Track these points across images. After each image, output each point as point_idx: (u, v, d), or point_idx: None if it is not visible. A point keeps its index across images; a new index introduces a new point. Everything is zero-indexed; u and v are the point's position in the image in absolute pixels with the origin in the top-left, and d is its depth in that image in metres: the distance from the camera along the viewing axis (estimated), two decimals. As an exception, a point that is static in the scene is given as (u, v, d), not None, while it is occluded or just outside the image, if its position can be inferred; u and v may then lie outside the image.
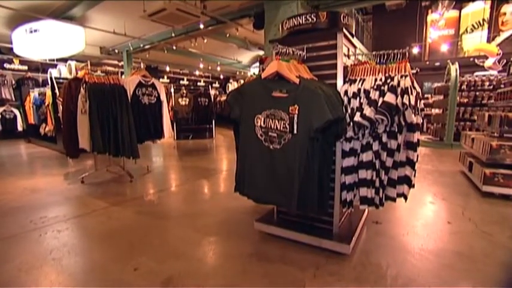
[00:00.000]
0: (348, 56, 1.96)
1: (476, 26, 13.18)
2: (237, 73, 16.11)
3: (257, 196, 1.77)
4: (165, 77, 15.22)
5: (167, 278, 1.69)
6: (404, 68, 1.69)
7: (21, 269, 1.81)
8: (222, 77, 17.33)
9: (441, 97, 7.31)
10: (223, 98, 11.63)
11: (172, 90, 8.44)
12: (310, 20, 1.84)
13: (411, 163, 1.65)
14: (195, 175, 4.31)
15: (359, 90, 1.65)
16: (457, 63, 6.73)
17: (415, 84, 1.70)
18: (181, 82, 15.68)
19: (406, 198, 1.71)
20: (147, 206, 3.04)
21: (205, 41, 8.66)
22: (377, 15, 13.96)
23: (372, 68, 1.79)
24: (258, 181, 1.70)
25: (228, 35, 8.85)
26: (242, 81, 13.73)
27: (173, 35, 7.98)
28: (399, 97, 1.51)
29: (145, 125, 3.92)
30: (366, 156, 1.70)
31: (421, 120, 1.91)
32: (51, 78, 5.90)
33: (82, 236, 2.34)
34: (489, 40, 12.53)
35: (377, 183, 1.69)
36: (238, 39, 9.42)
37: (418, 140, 1.65)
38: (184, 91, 8.32)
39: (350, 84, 1.72)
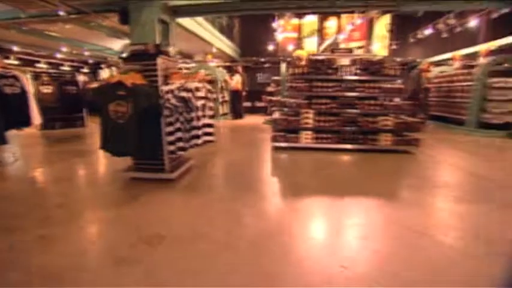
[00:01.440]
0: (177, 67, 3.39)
1: (312, 33, 17.42)
2: (109, 58, 15.38)
3: (115, 151, 3.02)
4: (12, 57, 12.92)
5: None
6: (196, 76, 3.27)
7: None
8: (91, 61, 16.07)
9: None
10: (95, 84, 11.29)
11: (29, 76, 7.88)
12: (143, 48, 3.15)
13: (197, 128, 3.28)
14: (70, 156, 4.94)
15: (171, 89, 3.11)
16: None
17: (206, 85, 3.30)
18: (37, 65, 13.69)
19: (198, 145, 3.35)
20: (22, 183, 3.71)
21: (66, 26, 8.38)
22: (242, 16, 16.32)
23: (180, 76, 3.29)
24: (114, 142, 2.95)
25: (94, 24, 8.83)
26: (114, 69, 13.48)
27: (23, 16, 7.39)
28: (188, 93, 3.06)
29: (10, 114, 4.27)
30: (178, 125, 3.21)
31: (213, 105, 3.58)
32: None
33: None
34: (319, 45, 16.99)
35: (184, 139, 3.24)
36: (106, 28, 9.46)
37: (200, 116, 3.28)
38: (46, 78, 7.96)
39: (166, 86, 3.16)
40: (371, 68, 5.04)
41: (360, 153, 4.87)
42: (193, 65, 13.07)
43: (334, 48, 6.47)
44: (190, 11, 7.60)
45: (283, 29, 17.17)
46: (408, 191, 3.31)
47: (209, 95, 3.44)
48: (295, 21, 16.72)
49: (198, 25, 9.92)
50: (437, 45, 15.45)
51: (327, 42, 16.86)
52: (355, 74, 5.04)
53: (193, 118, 3.19)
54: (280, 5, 7.40)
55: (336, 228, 2.35)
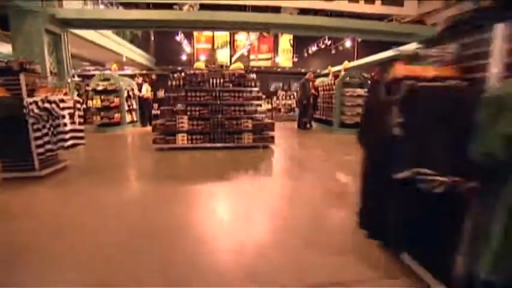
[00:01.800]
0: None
1: (224, 44, 18.79)
2: None
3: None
4: None
5: None
6: (62, 90, 3.95)
7: None
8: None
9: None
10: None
11: None
12: (5, 65, 3.69)
13: (64, 132, 3.96)
14: None
15: (35, 101, 3.72)
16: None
17: (73, 96, 4.00)
18: None
19: (65, 147, 4.02)
20: None
21: None
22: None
23: (46, 89, 3.92)
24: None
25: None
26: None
27: None
28: (51, 104, 3.73)
29: None
30: (45, 130, 3.84)
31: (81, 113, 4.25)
32: None
33: None
34: (231, 56, 18.53)
35: (52, 142, 3.88)
36: (-13, 32, 8.89)
37: (66, 123, 3.98)
38: None
39: (31, 98, 3.76)
40: (235, 80, 6.39)
41: (228, 150, 6.12)
42: (108, 72, 12.96)
43: (207, 63, 7.71)
44: (84, 24, 7.89)
45: (197, 40, 18.22)
46: (240, 172, 4.58)
47: (78, 105, 4.16)
48: (208, 33, 17.92)
49: (103, 36, 10.05)
50: (328, 59, 18.57)
51: (237, 54, 18.55)
52: (223, 86, 6.32)
53: (59, 124, 3.87)
54: (174, 24, 8.39)
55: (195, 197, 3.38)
